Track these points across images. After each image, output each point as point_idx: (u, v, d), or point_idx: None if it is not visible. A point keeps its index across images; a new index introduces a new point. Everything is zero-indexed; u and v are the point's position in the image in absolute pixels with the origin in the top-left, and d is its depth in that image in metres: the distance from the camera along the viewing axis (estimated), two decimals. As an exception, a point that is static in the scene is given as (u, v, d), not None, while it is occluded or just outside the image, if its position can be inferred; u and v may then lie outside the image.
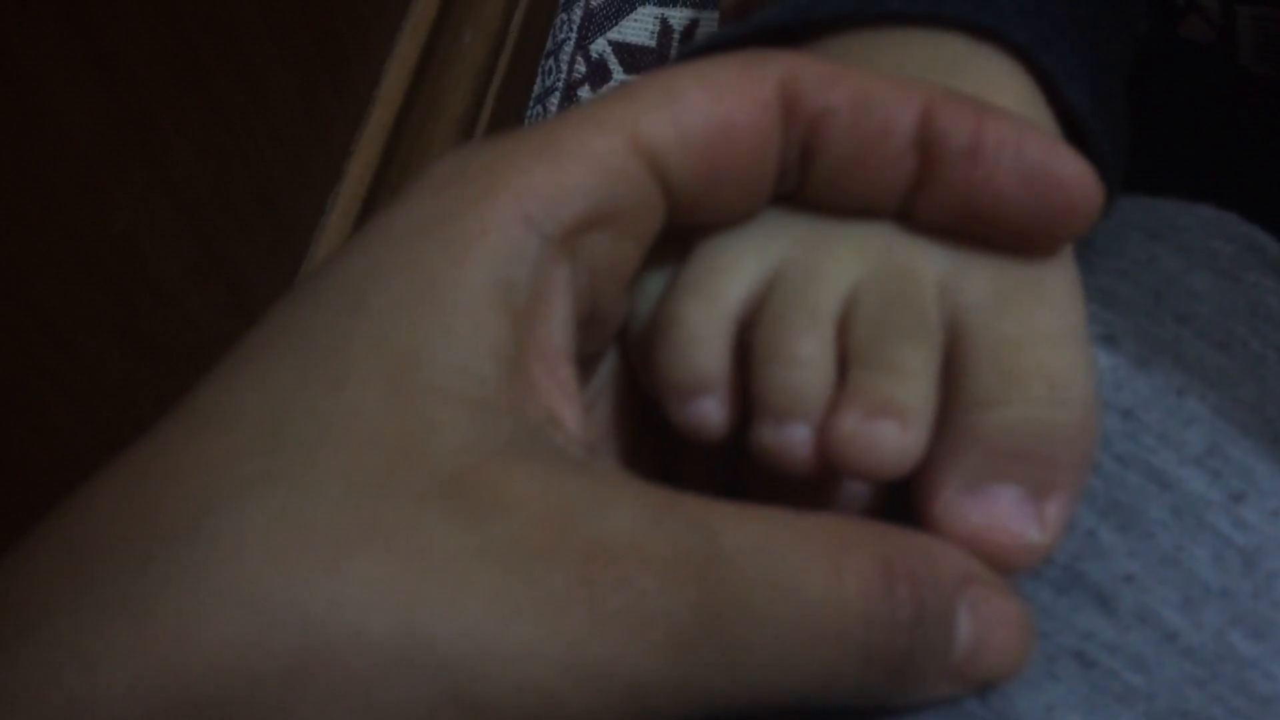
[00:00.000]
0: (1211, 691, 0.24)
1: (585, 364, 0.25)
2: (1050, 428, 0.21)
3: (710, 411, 0.23)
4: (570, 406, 0.20)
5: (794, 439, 0.22)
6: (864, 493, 0.24)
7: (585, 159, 0.20)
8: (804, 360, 0.22)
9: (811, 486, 0.24)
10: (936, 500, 0.22)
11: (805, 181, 0.23)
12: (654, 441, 0.26)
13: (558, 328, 0.20)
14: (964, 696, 0.24)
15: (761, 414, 0.22)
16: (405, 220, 0.20)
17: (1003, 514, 0.21)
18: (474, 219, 0.19)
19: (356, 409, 0.18)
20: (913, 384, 0.22)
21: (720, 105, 0.21)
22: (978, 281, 0.23)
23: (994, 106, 0.22)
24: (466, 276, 0.19)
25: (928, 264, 0.23)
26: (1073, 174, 0.21)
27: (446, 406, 0.18)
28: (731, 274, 0.23)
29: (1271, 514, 0.26)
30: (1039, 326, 0.22)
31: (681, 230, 0.23)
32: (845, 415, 0.22)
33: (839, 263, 0.23)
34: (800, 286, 0.23)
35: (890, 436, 0.21)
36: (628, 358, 0.26)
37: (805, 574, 0.18)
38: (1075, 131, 0.27)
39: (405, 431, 0.17)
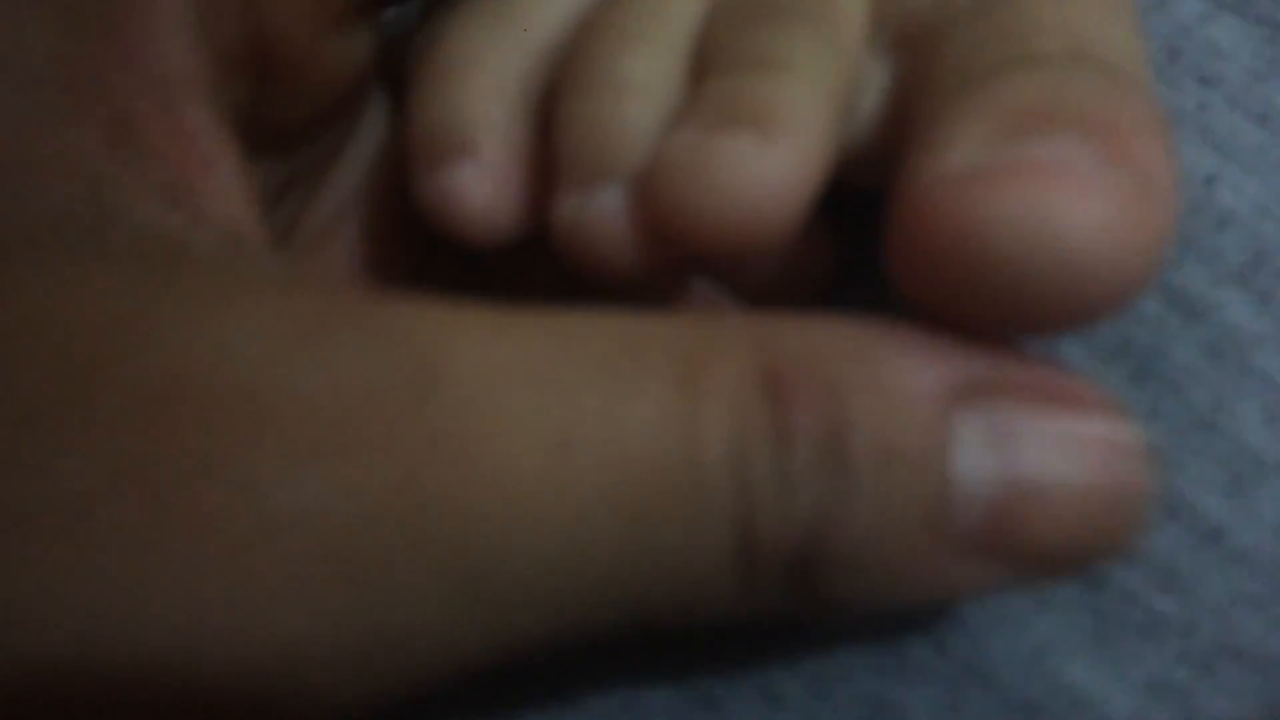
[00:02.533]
0: (1275, 614, 0.16)
1: (294, 149, 0.17)
2: (1091, 89, 0.12)
3: (468, 182, 0.15)
4: (212, 174, 0.13)
5: (602, 206, 0.14)
6: None
7: None
8: (626, 83, 0.14)
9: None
10: (917, 184, 0.12)
11: None
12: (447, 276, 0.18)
13: (170, 41, 0.13)
14: (909, 636, 0.16)
15: (562, 179, 0.14)
16: None
17: (1041, 173, 0.12)
18: None
19: None
20: (789, 78, 0.13)
21: None
22: None
23: None
24: None
25: None
26: None
27: None
28: None
29: (1345, 349, 0.18)
30: None
31: None
32: (677, 135, 0.13)
33: None
34: None
35: (743, 151, 0.13)
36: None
37: (621, 404, 0.11)
38: None
39: None
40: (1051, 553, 0.12)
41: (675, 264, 0.14)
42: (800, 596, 0.12)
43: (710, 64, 0.14)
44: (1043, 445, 0.12)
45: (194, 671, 0.10)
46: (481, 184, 0.15)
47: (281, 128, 0.16)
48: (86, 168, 0.12)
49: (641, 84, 0.14)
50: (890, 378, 0.12)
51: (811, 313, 0.12)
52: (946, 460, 0.12)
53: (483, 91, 0.15)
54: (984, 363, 0.12)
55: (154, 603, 0.10)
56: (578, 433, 0.11)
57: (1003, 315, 0.12)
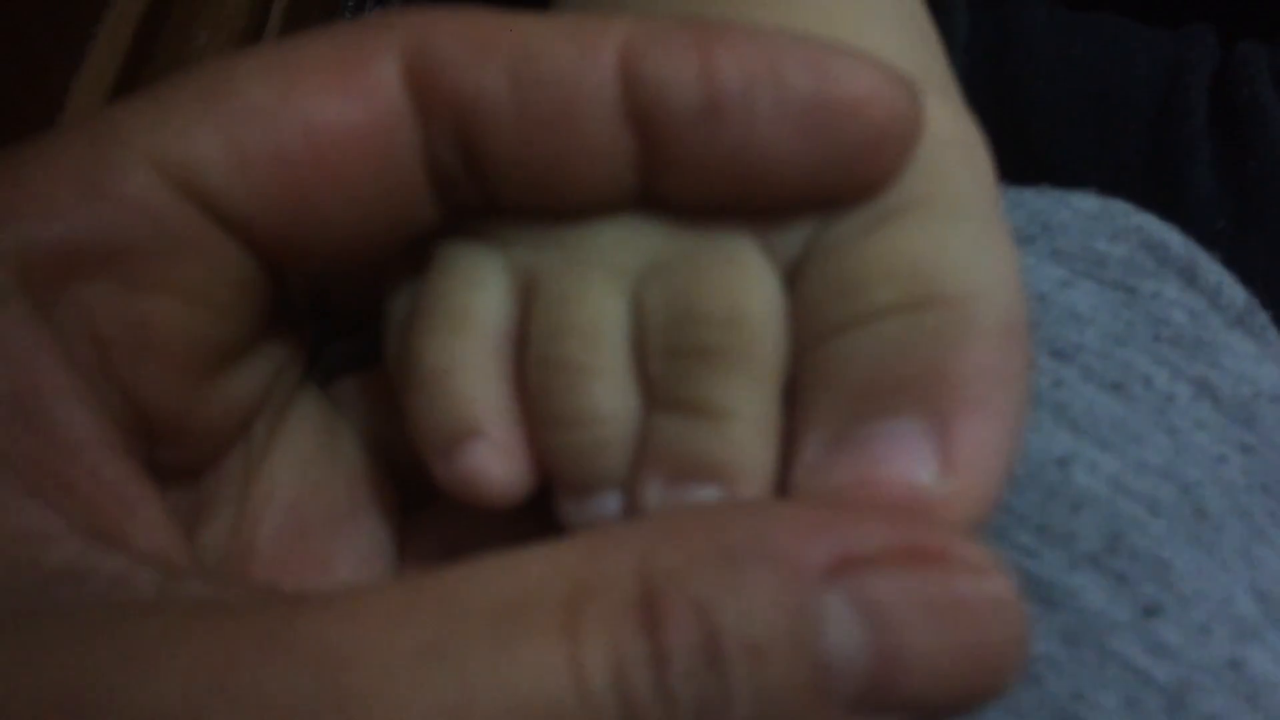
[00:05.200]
0: None
1: (199, 476, 0.19)
2: (919, 337, 0.15)
3: (486, 460, 0.17)
4: (139, 516, 0.15)
5: (604, 513, 0.17)
6: None
7: (66, 176, 0.15)
8: (592, 416, 0.17)
9: None
10: (790, 474, 0.16)
11: (487, 188, 0.17)
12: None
13: (73, 413, 0.15)
14: None
15: (560, 486, 0.17)
16: None
17: (877, 458, 0.15)
18: None
19: None
20: (730, 426, 0.16)
21: (300, 106, 0.15)
22: (805, 217, 0.16)
23: (730, 26, 0.16)
24: None
25: (731, 228, 0.17)
26: (864, 91, 0.15)
27: None
28: (474, 285, 0.18)
29: (1200, 630, 0.18)
30: (890, 206, 0.16)
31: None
32: (647, 485, 0.16)
33: (606, 259, 0.17)
34: (562, 306, 0.17)
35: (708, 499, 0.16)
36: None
37: (507, 662, 0.13)
38: None
39: None
40: (931, 704, 0.14)
41: None
42: None
43: (657, 397, 0.17)
44: (909, 611, 0.13)
45: None
46: (495, 459, 0.17)
47: (179, 464, 0.18)
48: (32, 535, 0.14)
49: (600, 413, 0.17)
50: (754, 576, 0.13)
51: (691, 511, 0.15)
52: (818, 640, 0.13)
53: (471, 386, 0.17)
54: (849, 535, 0.14)
55: None
56: (473, 696, 0.13)
57: None
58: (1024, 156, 0.36)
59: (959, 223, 0.16)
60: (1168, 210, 0.25)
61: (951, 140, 0.16)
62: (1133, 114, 0.37)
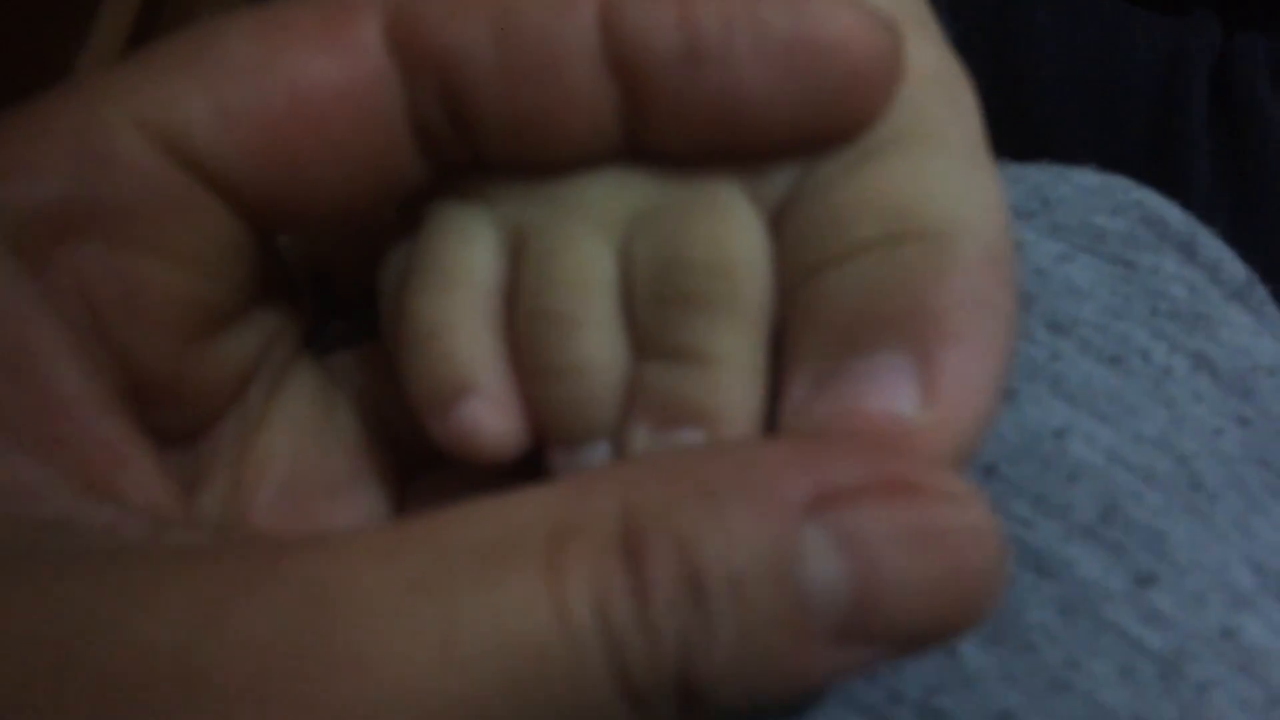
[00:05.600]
0: None
1: (196, 440, 0.19)
2: (901, 271, 0.15)
3: (481, 415, 0.17)
4: (130, 471, 0.16)
5: (593, 463, 0.17)
6: None
7: (54, 138, 0.15)
8: (581, 366, 0.17)
9: None
10: (780, 414, 0.16)
11: (473, 144, 0.17)
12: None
13: (66, 372, 0.15)
14: None
15: (549, 437, 0.17)
16: None
17: (859, 392, 0.15)
18: None
19: None
20: (715, 371, 0.16)
21: (285, 65, 0.15)
22: (789, 162, 0.17)
23: None
24: None
25: (716, 175, 0.17)
26: (844, 31, 0.15)
27: None
28: (465, 242, 0.18)
29: (1194, 599, 0.18)
30: (872, 143, 0.16)
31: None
32: (634, 431, 0.17)
33: (593, 212, 0.17)
34: (550, 259, 0.17)
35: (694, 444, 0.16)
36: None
37: (493, 595, 0.13)
38: None
39: None
40: (911, 633, 0.14)
41: None
42: (694, 711, 0.14)
43: (645, 345, 0.17)
44: (888, 541, 0.13)
45: None
46: (490, 413, 0.17)
47: (174, 428, 0.18)
48: (24, 489, 0.14)
49: (587, 363, 0.17)
50: (734, 511, 0.13)
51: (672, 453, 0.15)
52: (798, 572, 0.13)
53: (464, 342, 0.17)
54: (828, 469, 0.14)
55: None
56: (458, 630, 0.13)
57: None
58: (1024, 143, 0.36)
59: (940, 156, 0.16)
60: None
61: (932, 74, 0.16)
62: (1133, 105, 0.37)
